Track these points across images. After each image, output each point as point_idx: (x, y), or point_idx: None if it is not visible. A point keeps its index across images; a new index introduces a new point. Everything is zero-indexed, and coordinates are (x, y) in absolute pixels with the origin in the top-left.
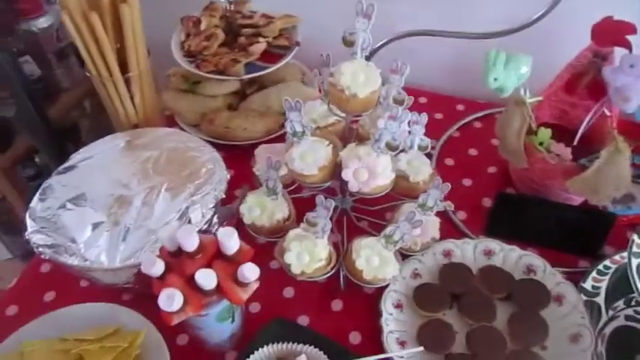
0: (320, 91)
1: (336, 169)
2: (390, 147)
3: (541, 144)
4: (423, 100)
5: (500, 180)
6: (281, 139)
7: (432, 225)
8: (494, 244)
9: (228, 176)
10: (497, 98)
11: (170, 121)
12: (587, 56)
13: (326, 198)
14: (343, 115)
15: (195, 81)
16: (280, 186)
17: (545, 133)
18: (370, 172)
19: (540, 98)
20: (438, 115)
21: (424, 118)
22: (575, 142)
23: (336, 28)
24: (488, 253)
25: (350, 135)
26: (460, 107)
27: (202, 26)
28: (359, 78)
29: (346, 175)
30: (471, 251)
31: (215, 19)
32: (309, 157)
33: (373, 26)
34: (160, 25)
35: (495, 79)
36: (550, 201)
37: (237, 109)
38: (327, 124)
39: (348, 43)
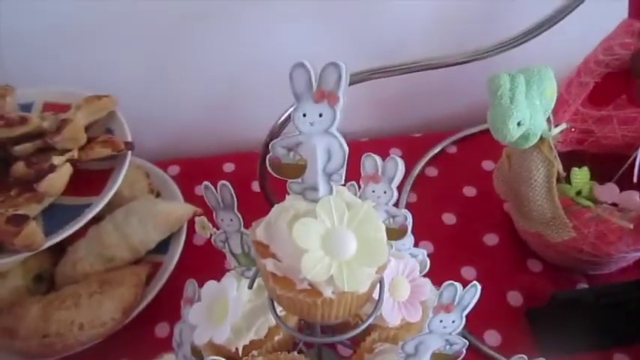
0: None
1: None
2: None
3: (578, 194)
4: None
5: (506, 252)
6: (155, 313)
7: None
8: None
9: None
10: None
11: None
12: (625, 43)
13: None
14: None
15: None
16: None
17: (581, 175)
18: None
19: (565, 125)
20: None
21: None
22: (635, 178)
23: None
24: None
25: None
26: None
27: None
28: (344, 248)
29: None
30: None
31: None
32: None
33: None
34: None
35: (520, 124)
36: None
37: (48, 289)
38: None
39: (294, 168)
